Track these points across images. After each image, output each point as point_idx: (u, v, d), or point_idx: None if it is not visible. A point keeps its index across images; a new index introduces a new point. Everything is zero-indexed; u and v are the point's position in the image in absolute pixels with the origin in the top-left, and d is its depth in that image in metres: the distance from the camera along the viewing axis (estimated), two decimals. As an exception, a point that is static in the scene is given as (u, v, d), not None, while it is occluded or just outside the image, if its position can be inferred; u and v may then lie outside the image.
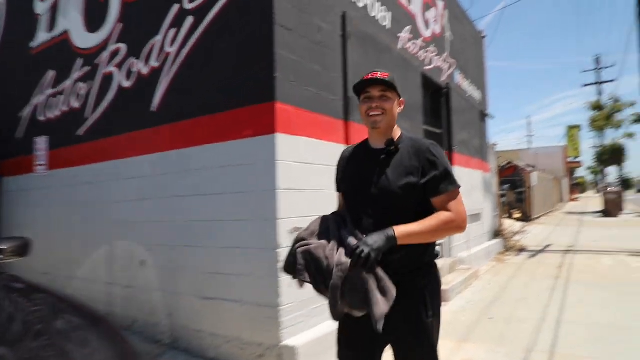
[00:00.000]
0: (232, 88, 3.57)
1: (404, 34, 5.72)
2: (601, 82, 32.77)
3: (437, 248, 1.88)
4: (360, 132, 4.39)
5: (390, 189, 1.73)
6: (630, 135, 20.26)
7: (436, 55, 6.76)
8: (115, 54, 4.58)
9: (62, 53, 5.26)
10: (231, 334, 3.43)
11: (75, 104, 5.04)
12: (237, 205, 3.48)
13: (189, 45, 3.86)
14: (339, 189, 2.02)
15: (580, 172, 57.47)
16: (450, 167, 1.80)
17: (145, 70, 4.24)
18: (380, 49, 4.94)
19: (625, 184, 27.38)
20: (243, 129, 3.47)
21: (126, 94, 4.46)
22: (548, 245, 9.99)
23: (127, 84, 4.43)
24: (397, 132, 1.88)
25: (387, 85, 1.79)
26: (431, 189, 1.74)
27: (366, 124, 1.87)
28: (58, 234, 5.28)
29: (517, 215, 16.53)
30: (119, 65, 4.52)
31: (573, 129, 39.29)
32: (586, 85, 34.06)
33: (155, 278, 4.05)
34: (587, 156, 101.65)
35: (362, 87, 1.83)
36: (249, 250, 3.37)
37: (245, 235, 3.41)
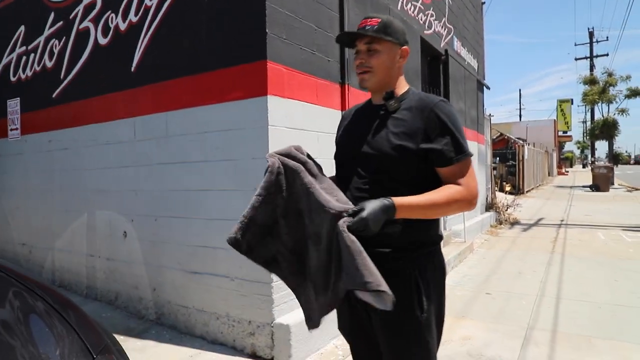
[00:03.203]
0: (218, 46, 3.24)
1: (404, -6, 5.37)
2: (594, 57, 32.51)
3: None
4: (358, 98, 4.11)
5: (383, 150, 1.43)
6: (623, 111, 20.08)
7: (435, 20, 6.42)
8: (90, 7, 4.18)
9: (33, 6, 4.83)
10: (220, 311, 3.23)
11: (49, 63, 4.66)
12: (224, 174, 3.21)
13: (171, -3, 3.49)
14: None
15: (569, 146, 57.85)
16: (462, 131, 1.47)
17: (123, 26, 3.87)
18: (378, 7, 4.60)
19: (615, 158, 27.51)
20: (231, 91, 3.17)
21: (103, 52, 4.09)
22: (541, 219, 9.92)
23: (103, 41, 4.06)
24: (402, 87, 1.55)
25: (372, 37, 1.46)
26: (438, 157, 1.41)
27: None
28: (35, 202, 4.99)
29: (508, 188, 16.48)
30: (95, 20, 4.13)
31: (564, 103, 39.19)
32: (578, 59, 33.82)
33: (138, 250, 3.81)
34: (575, 130, 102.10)
35: (346, 41, 1.55)
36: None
37: (233, 206, 3.15)
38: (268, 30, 2.99)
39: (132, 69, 3.79)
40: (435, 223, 1.52)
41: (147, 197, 3.73)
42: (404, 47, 1.53)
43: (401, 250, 1.43)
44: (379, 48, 1.48)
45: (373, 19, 1.48)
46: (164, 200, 3.60)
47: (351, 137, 1.58)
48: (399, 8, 5.16)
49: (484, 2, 9.65)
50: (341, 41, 1.55)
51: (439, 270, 1.51)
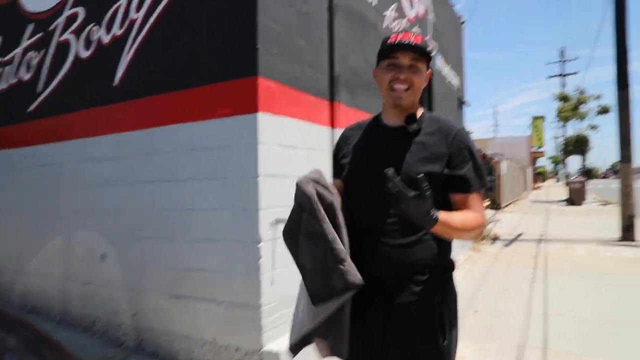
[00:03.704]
0: (207, 60, 3.15)
1: (390, 12, 5.39)
2: (565, 75, 33.70)
3: None
4: (347, 115, 4.06)
5: (410, 175, 1.34)
6: (594, 127, 20.78)
7: (420, 37, 6.47)
8: (72, 19, 4.03)
9: (10, 17, 4.65)
10: (205, 337, 3.08)
11: (26, 76, 4.47)
12: (212, 192, 3.10)
13: (158, 11, 3.39)
14: (335, 174, 1.64)
15: (541, 162, 59.33)
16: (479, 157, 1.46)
17: (106, 39, 3.74)
18: (366, 26, 4.61)
19: (587, 173, 28.35)
20: (220, 107, 3.07)
21: (84, 65, 3.95)
22: (520, 234, 10.02)
23: (85, 54, 3.92)
24: (419, 110, 1.51)
25: (421, 53, 1.41)
26: (461, 183, 1.38)
27: (386, 98, 1.49)
28: (7, 221, 4.74)
29: (487, 203, 16.69)
30: (76, 33, 3.99)
31: (538, 119, 40.28)
32: (551, 77, 35.02)
33: (118, 273, 3.62)
34: (547, 145, 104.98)
35: (391, 50, 1.43)
36: (226, 244, 3.00)
37: (221, 226, 3.04)
38: (259, 45, 2.92)
39: (116, 83, 3.65)
40: (451, 247, 1.48)
41: (130, 216, 3.57)
42: (429, 70, 1.51)
43: (427, 274, 1.39)
44: (420, 67, 1.43)
45: (416, 35, 1.42)
46: (148, 220, 3.45)
47: (367, 158, 1.50)
48: (384, 26, 5.18)
49: (464, 22, 9.84)
50: (385, 51, 1.45)
51: (455, 295, 1.48)
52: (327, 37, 3.84)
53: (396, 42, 1.40)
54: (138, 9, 3.51)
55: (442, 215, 1.27)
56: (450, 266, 1.47)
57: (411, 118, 1.45)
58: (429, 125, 1.46)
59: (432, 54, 1.44)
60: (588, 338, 3.64)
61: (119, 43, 3.64)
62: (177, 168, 3.27)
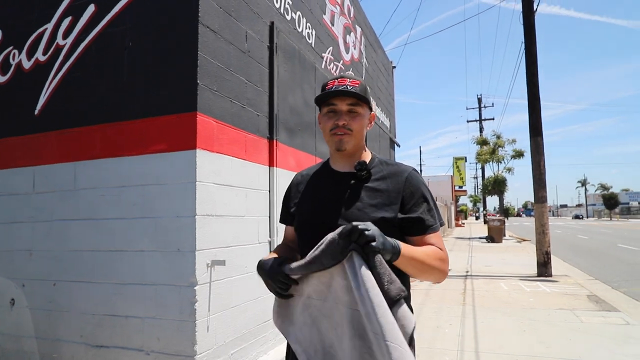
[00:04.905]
0: (143, 93, 3.01)
1: (327, 55, 5.57)
2: (483, 120, 36.52)
3: None
4: (285, 154, 4.04)
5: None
6: (509, 170, 22.51)
7: (354, 80, 6.72)
8: (-12, 42, 3.72)
9: None
10: (129, 392, 2.80)
11: None
12: (143, 233, 2.89)
13: (89, 38, 3.22)
14: (286, 221, 1.60)
15: (463, 200, 62.95)
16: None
17: (27, 65, 3.47)
18: (305, 66, 4.69)
19: (505, 212, 30.41)
20: (154, 142, 2.92)
21: (1, 90, 3.62)
22: (449, 270, 10.40)
23: (2, 78, 3.60)
24: (367, 154, 1.51)
25: (358, 98, 1.41)
26: (417, 225, 1.37)
27: (329, 144, 1.48)
28: None
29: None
30: (-7, 56, 3.67)
31: (459, 160, 42.96)
32: (470, 121, 37.82)
33: (29, 321, 3.22)
34: (468, 185, 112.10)
35: (327, 97, 1.43)
36: (157, 288, 2.79)
37: (151, 269, 2.83)
38: (199, 80, 2.85)
39: (36, 112, 3.37)
40: (409, 284, 1.45)
41: (45, 257, 3.23)
42: (373, 112, 1.51)
43: None
44: (360, 111, 1.42)
45: (353, 80, 1.42)
46: (65, 262, 3.14)
47: (319, 206, 1.45)
48: (322, 67, 5.32)
49: (395, 67, 10.41)
50: (321, 98, 1.44)
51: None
52: (267, 75, 3.85)
53: (332, 88, 1.40)
54: (66, 35, 3.31)
55: (405, 245, 1.25)
56: (408, 299, 1.41)
57: (362, 165, 1.43)
58: (379, 170, 1.45)
59: (367, 96, 1.46)
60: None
61: (42, 70, 3.39)
62: (103, 206, 3.04)
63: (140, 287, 2.84)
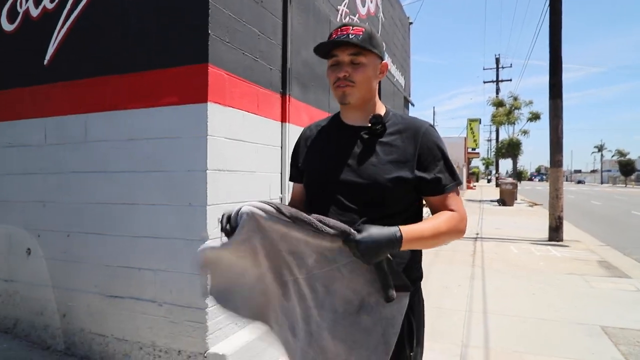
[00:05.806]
0: (153, 44, 2.91)
1: (342, 7, 5.35)
2: (500, 81, 35.61)
3: None
4: (298, 110, 3.96)
5: (378, 180, 1.27)
6: (525, 132, 22.12)
7: (370, 35, 6.49)
8: (-6, -12, 3.61)
9: None
10: (144, 340, 2.87)
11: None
12: (154, 186, 2.88)
13: (97, -15, 3.10)
14: (295, 178, 1.54)
15: (475, 162, 62.43)
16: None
17: (35, 12, 3.38)
18: (320, 19, 4.52)
19: (518, 175, 30.13)
20: (165, 95, 2.86)
21: (8, 40, 3.55)
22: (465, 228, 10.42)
23: (9, 27, 3.52)
24: (380, 107, 1.42)
25: (361, 47, 1.30)
26: (434, 185, 1.30)
27: (335, 96, 1.39)
28: None
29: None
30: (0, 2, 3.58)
31: (473, 122, 42.22)
32: (486, 82, 36.88)
33: (44, 271, 3.30)
34: (481, 148, 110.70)
35: (328, 49, 1.33)
36: (169, 241, 2.81)
37: (164, 223, 2.83)
38: (211, 31, 2.74)
39: (46, 62, 3.31)
40: (421, 257, 1.41)
41: (58, 209, 3.26)
42: (384, 61, 1.41)
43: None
44: (364, 61, 1.32)
45: (356, 27, 1.31)
46: (79, 214, 3.16)
47: (328, 162, 1.38)
48: (337, 20, 5.12)
49: (412, 23, 10.03)
50: (321, 50, 1.35)
51: (422, 305, 1.42)
52: (281, 28, 3.71)
53: (335, 38, 1.30)
54: (74, -18, 3.19)
55: (408, 233, 1.17)
56: (419, 276, 1.41)
57: (377, 119, 1.35)
58: (394, 124, 1.37)
59: (373, 44, 1.34)
60: (526, 336, 3.78)
61: (50, 18, 3.29)
62: (115, 158, 3.02)
63: (152, 240, 2.86)
